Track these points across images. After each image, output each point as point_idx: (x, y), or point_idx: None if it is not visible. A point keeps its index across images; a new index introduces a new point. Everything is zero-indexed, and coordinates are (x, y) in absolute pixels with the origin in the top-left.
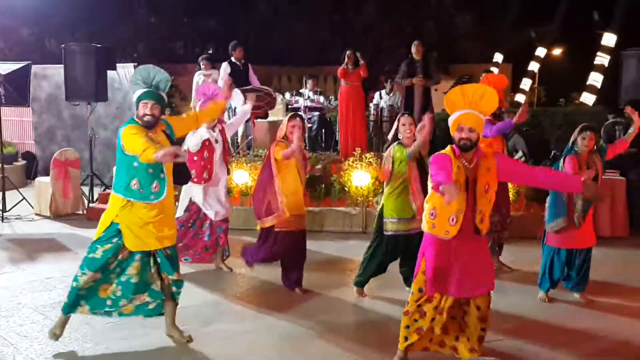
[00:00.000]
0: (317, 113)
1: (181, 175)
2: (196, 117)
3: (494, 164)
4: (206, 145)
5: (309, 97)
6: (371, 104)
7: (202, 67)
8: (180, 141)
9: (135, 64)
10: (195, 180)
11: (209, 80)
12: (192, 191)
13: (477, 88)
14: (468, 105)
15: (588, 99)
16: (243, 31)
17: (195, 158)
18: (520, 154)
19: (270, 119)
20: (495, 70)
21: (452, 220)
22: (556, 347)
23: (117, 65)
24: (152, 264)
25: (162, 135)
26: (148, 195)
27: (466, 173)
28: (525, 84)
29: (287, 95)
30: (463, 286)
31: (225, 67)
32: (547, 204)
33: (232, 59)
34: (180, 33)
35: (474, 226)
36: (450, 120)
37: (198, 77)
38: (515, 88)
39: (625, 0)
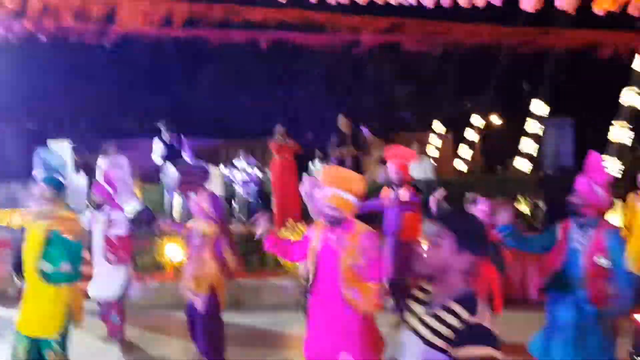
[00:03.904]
0: (254, 187)
1: None
2: None
3: (357, 242)
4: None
5: (244, 170)
6: (304, 174)
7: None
8: None
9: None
10: None
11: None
12: None
13: (340, 170)
14: (329, 184)
15: (522, 164)
16: (188, 104)
17: None
18: None
19: None
20: (436, 139)
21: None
22: None
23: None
24: None
25: None
26: None
27: (321, 243)
28: (466, 153)
29: (223, 168)
30: (315, 350)
31: (156, 143)
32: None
33: (163, 135)
34: (124, 108)
35: (340, 295)
36: None
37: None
38: (456, 156)
39: (551, 68)
